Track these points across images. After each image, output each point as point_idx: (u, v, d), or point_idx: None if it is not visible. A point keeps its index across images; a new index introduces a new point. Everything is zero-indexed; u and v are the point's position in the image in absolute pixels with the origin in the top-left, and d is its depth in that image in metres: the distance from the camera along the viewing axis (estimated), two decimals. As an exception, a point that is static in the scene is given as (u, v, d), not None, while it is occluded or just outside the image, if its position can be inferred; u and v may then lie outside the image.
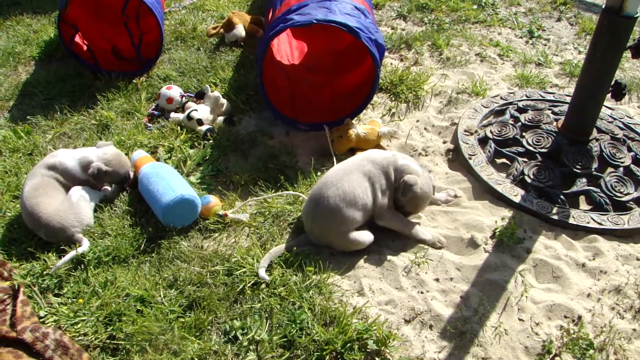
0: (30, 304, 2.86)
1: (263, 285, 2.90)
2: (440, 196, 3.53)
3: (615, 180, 3.57)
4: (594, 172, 3.61)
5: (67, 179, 3.43)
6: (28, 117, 4.41)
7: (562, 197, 3.46)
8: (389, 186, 3.20)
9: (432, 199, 3.45)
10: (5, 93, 4.76)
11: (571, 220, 3.33)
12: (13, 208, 3.49)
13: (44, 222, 3.18)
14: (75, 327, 2.76)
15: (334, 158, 3.76)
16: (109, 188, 3.57)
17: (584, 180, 3.57)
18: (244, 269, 2.98)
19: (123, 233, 3.25)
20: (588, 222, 3.32)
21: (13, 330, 2.68)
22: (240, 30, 5.24)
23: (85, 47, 4.84)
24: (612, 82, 3.54)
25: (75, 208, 3.30)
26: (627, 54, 3.48)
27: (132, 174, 3.63)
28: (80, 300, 2.87)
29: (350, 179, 3.11)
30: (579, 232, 3.32)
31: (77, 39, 4.81)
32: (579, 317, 2.79)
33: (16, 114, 4.52)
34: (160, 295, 2.88)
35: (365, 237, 3.11)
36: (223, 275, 2.98)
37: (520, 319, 2.79)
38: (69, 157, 3.47)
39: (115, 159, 3.52)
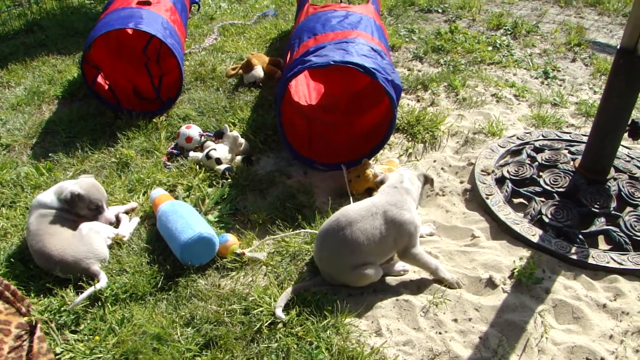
0: (47, 340, 2.87)
1: (280, 325, 2.89)
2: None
3: (635, 219, 3.53)
4: (613, 212, 3.58)
5: (54, 213, 3.43)
6: (50, 154, 4.49)
7: (580, 236, 3.43)
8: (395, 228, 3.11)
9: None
10: (29, 131, 4.85)
11: (590, 260, 3.29)
12: (33, 245, 3.52)
13: (57, 259, 3.21)
14: (92, 364, 2.76)
15: (351, 198, 3.76)
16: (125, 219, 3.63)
17: (603, 219, 3.54)
18: (261, 308, 2.97)
19: (141, 270, 3.27)
20: (608, 262, 3.29)
21: (30, 367, 2.69)
22: (258, 71, 5.33)
23: (107, 87, 4.95)
24: (629, 122, 3.55)
25: (86, 240, 3.32)
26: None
27: (106, 206, 3.60)
28: (97, 338, 2.87)
29: (360, 215, 3.06)
30: (598, 272, 3.28)
31: (100, 79, 4.92)
32: (602, 360, 2.74)
33: (39, 151, 4.60)
34: (177, 334, 2.87)
35: (373, 271, 3.05)
36: (240, 314, 2.97)
37: (540, 361, 2.75)
38: (46, 193, 3.51)
39: (89, 186, 3.52)
